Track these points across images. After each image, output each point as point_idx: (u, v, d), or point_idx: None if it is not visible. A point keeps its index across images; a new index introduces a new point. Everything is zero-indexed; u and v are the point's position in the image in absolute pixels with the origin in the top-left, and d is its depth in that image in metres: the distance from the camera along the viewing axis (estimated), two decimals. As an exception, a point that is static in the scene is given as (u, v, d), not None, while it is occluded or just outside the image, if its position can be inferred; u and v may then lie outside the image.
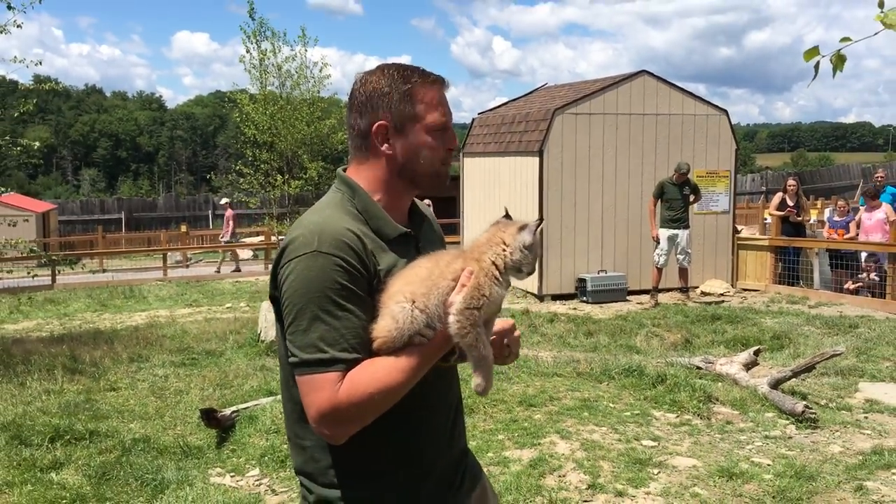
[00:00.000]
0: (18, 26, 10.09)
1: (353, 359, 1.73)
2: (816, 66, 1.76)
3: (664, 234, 12.47)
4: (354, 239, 1.79)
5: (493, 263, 1.72)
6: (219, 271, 20.32)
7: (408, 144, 1.90)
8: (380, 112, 1.88)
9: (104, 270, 22.92)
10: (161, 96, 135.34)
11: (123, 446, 5.72)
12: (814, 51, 1.75)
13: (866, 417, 6.41)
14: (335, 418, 1.73)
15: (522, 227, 1.72)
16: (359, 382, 1.72)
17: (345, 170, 1.97)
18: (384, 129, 1.89)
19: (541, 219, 1.79)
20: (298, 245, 1.78)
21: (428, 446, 1.92)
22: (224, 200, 23.36)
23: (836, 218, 13.66)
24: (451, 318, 1.70)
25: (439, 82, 1.92)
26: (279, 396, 6.70)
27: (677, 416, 6.25)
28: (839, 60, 1.74)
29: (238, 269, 20.47)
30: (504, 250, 1.73)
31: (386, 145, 1.90)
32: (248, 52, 18.94)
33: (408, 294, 1.73)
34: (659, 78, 13.91)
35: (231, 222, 21.45)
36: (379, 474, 1.86)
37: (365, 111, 1.90)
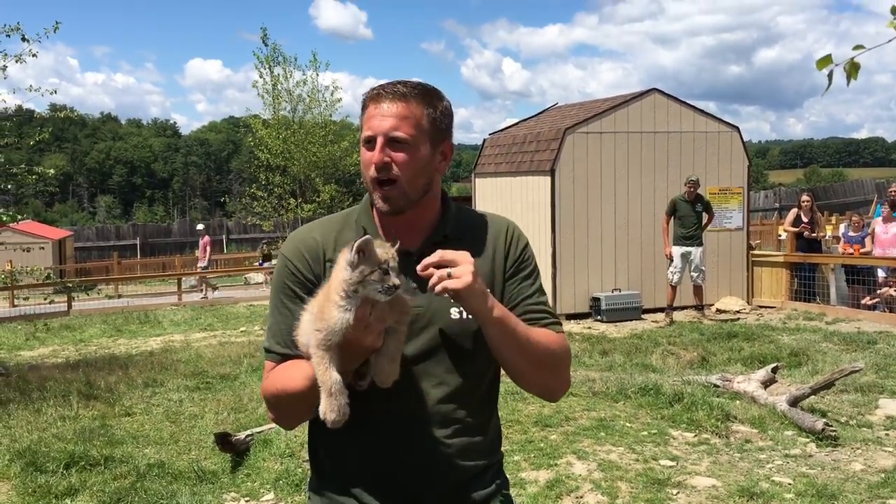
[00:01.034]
0: (34, 55, 10.21)
1: (283, 353, 1.92)
2: (830, 75, 1.74)
3: (677, 251, 12.41)
4: (312, 246, 1.95)
5: (335, 286, 1.70)
6: (206, 297, 20.21)
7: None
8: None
9: (119, 296, 23.02)
10: (175, 123, 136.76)
11: (138, 472, 5.71)
12: (827, 59, 1.73)
13: (887, 434, 6.32)
14: (265, 402, 1.97)
15: (350, 246, 1.68)
16: (272, 377, 1.92)
17: None
18: (358, 143, 2.00)
19: (365, 233, 1.74)
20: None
21: (360, 454, 1.93)
22: (200, 227, 23.53)
23: (852, 233, 13.56)
24: (311, 340, 1.76)
25: (380, 95, 1.89)
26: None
27: (695, 436, 6.18)
28: (853, 68, 1.72)
29: (206, 297, 20.31)
30: (339, 271, 1.71)
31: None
32: (260, 77, 19.13)
33: (313, 308, 1.79)
34: (669, 96, 13.91)
35: (208, 249, 21.57)
36: (323, 470, 2.01)
37: None
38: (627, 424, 6.34)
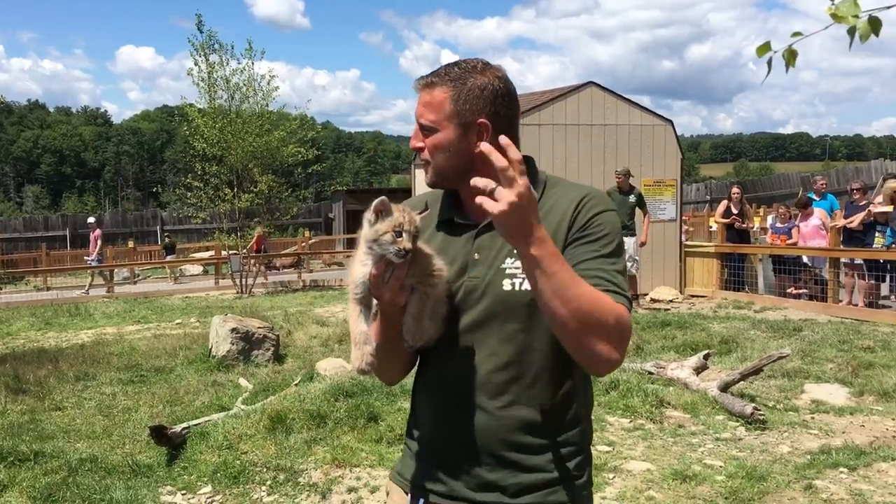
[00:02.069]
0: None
1: None
2: (769, 63, 1.79)
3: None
4: (417, 205, 1.94)
5: (362, 239, 1.78)
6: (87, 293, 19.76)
7: None
8: None
9: (48, 288, 22.39)
10: (106, 111, 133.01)
11: (70, 467, 5.58)
12: (766, 46, 1.77)
13: (813, 418, 6.55)
14: None
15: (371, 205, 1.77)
16: None
17: None
18: None
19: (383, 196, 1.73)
20: None
21: (422, 417, 2.05)
22: (91, 220, 23.23)
23: (779, 224, 13.97)
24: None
25: (421, 83, 1.98)
26: (231, 412, 6.63)
27: (631, 421, 6.32)
28: (791, 56, 1.77)
29: (86, 293, 19.77)
30: (364, 225, 1.78)
31: None
32: (196, 65, 18.72)
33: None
34: (605, 89, 14.10)
35: (99, 242, 21.32)
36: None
37: None
38: (565, 411, 6.42)
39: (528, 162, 1.91)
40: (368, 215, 1.75)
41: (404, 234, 1.71)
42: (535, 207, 1.63)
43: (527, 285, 1.79)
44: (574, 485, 1.97)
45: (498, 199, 1.59)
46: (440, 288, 1.84)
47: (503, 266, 1.91)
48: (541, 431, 1.92)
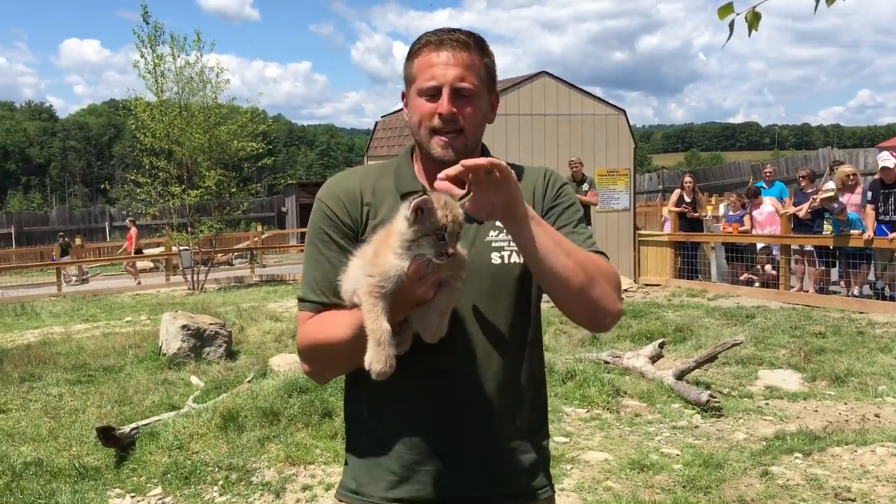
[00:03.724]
0: None
1: (318, 301, 1.84)
2: (731, 25, 1.71)
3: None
4: (350, 189, 1.88)
5: (396, 231, 1.63)
6: None
7: (410, 111, 1.89)
8: (405, 81, 1.91)
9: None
10: (51, 106, 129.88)
11: (14, 471, 5.40)
12: (728, 8, 1.69)
13: (767, 404, 6.60)
14: (301, 354, 1.87)
15: (412, 199, 1.59)
16: (309, 327, 1.83)
17: None
18: (403, 97, 1.94)
19: (424, 192, 1.59)
20: None
21: (402, 407, 1.86)
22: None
23: (731, 213, 14.13)
24: (361, 284, 1.66)
25: (443, 42, 1.83)
26: (182, 411, 6.46)
27: (587, 411, 6.30)
28: (754, 18, 1.69)
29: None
30: (400, 216, 1.64)
31: (405, 110, 1.93)
32: (142, 57, 18.29)
33: (361, 253, 1.72)
34: (559, 79, 14.12)
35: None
36: (364, 427, 1.93)
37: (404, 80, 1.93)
38: (522, 403, 6.39)
39: (483, 148, 1.97)
40: (406, 212, 1.58)
41: (447, 237, 1.58)
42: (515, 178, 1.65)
43: (516, 258, 1.84)
44: (546, 457, 2.01)
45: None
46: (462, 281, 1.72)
47: (488, 239, 1.87)
48: (527, 417, 1.92)
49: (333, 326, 1.75)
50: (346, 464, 1.97)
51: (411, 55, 1.88)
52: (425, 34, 1.88)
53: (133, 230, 23.11)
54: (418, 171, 1.93)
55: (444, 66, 1.80)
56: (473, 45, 1.84)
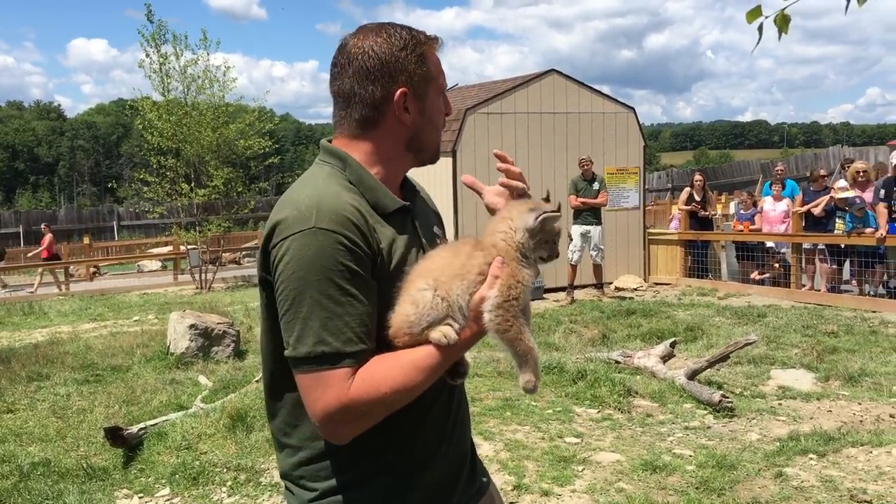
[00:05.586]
0: None
1: (359, 350, 1.56)
2: (760, 28, 1.65)
3: (577, 230, 12.55)
4: (356, 213, 1.61)
5: (509, 245, 1.58)
6: None
7: (423, 111, 1.76)
8: (399, 77, 1.71)
9: (4, 286, 21.80)
10: (60, 105, 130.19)
11: (21, 471, 5.37)
12: (756, 11, 1.63)
13: (780, 404, 6.53)
14: (344, 418, 1.56)
15: (531, 209, 1.59)
16: (372, 380, 1.55)
17: (330, 141, 1.80)
18: (404, 97, 1.72)
19: (557, 209, 1.59)
20: (293, 221, 1.59)
21: (427, 437, 1.75)
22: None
23: (742, 211, 14.04)
24: (488, 315, 1.55)
25: (438, 45, 1.79)
26: (190, 411, 6.42)
27: (599, 412, 6.24)
28: (783, 21, 1.63)
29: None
30: (510, 228, 1.60)
31: (407, 114, 1.74)
32: (147, 56, 18.26)
33: (430, 280, 1.58)
34: (568, 77, 14.03)
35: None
36: (375, 470, 1.70)
37: (378, 78, 1.70)
38: (532, 403, 6.34)
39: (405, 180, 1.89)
40: (532, 224, 1.56)
41: (558, 241, 1.64)
42: None
43: None
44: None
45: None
46: None
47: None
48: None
49: (405, 372, 1.58)
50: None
51: (420, 53, 1.74)
52: (414, 29, 1.77)
53: (48, 235, 21.90)
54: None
55: (442, 72, 1.80)
56: None
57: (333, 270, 1.56)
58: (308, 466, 1.72)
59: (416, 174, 1.93)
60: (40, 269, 20.98)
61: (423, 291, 1.58)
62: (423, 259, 1.66)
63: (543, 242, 1.59)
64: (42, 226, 20.08)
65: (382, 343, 1.61)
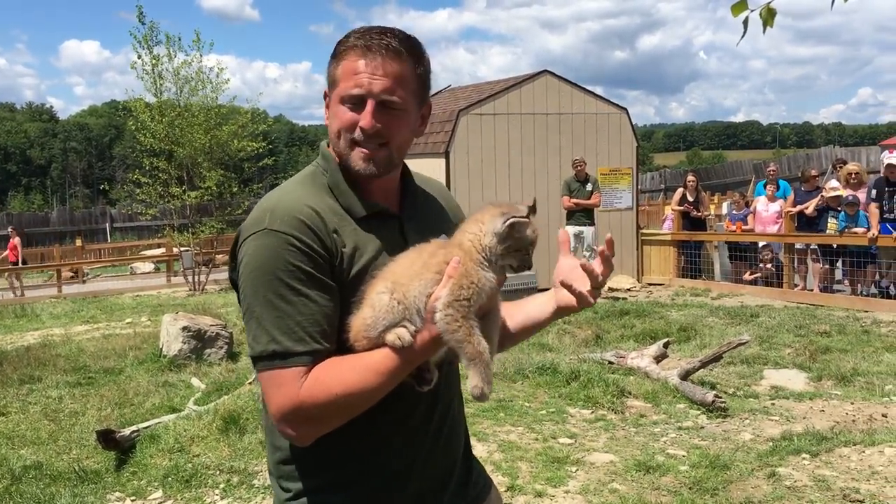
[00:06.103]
0: None
1: (311, 350, 1.57)
2: (745, 22, 1.65)
3: (570, 230, 12.55)
4: (312, 215, 1.62)
5: (474, 246, 1.57)
6: None
7: (330, 112, 1.72)
8: (328, 80, 1.73)
9: None
10: (52, 107, 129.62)
11: (13, 475, 5.35)
12: (742, 5, 1.63)
13: (773, 404, 6.54)
14: (297, 417, 1.57)
15: (503, 213, 1.57)
16: (325, 381, 1.55)
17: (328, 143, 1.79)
18: (325, 98, 1.74)
19: (532, 208, 1.59)
20: (251, 223, 1.64)
21: (404, 447, 1.73)
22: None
23: (735, 212, 14.06)
24: (439, 314, 1.53)
25: (371, 47, 1.64)
26: (183, 413, 6.40)
27: (592, 412, 6.24)
28: (769, 15, 1.63)
29: None
30: (480, 230, 1.58)
31: (326, 112, 1.74)
32: (139, 57, 18.22)
33: (389, 283, 1.58)
34: (560, 77, 14.05)
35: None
36: (350, 478, 1.70)
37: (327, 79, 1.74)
38: (526, 404, 6.34)
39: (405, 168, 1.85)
40: (500, 228, 1.55)
41: (531, 251, 1.63)
42: None
43: None
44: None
45: None
46: None
47: None
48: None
49: (360, 374, 1.56)
50: None
51: (337, 56, 1.69)
52: (354, 33, 1.69)
53: (15, 239, 21.19)
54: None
55: (370, 76, 1.63)
56: (406, 52, 1.67)
57: (284, 271, 1.58)
58: (284, 466, 1.74)
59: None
60: (7, 274, 20.69)
61: (380, 294, 1.58)
62: (390, 262, 1.64)
63: (514, 251, 1.57)
64: (9, 229, 19.79)
65: (346, 348, 1.61)
